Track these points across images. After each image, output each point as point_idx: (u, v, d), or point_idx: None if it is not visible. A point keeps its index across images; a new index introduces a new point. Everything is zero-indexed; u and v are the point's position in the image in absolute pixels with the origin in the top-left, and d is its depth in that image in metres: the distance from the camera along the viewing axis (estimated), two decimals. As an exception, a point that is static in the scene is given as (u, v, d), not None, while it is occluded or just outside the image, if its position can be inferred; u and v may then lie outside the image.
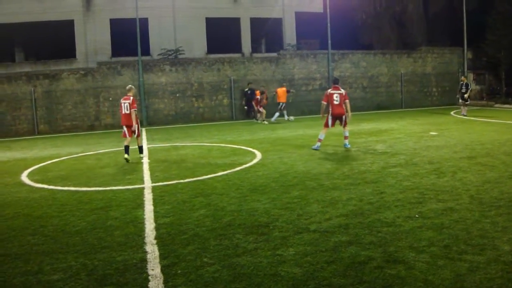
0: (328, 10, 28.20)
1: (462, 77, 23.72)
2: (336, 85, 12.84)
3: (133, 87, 12.99)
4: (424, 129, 16.71)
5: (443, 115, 23.51)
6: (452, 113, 24.47)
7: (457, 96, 23.54)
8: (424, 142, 13.46)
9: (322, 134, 12.91)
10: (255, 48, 31.73)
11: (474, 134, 15.04)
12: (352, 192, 7.82)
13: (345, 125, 12.89)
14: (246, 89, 24.76)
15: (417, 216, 6.37)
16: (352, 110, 13.43)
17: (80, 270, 5.00)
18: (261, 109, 23.44)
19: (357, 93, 29.37)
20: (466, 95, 22.13)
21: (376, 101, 29.40)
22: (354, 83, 29.32)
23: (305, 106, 27.43)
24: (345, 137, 12.99)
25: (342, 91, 12.77)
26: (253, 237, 5.77)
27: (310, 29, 31.52)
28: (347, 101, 12.69)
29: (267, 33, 32.99)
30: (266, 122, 22.76)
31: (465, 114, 22.15)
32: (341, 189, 8.03)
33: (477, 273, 4.53)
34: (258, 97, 23.43)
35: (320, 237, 5.67)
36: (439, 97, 31.60)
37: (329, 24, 28.04)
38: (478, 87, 34.86)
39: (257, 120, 23.73)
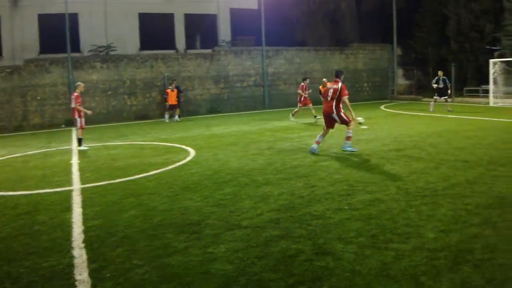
0: (262, 7, 28.38)
1: (440, 72, 22.25)
2: (336, 78, 11.28)
3: (81, 84, 13.89)
4: (355, 123, 17.08)
5: (374, 109, 24.24)
6: (382, 107, 25.29)
7: (435, 91, 22.07)
8: (355, 136, 13.80)
9: (319, 135, 11.52)
10: (189, 45, 31.39)
11: (402, 127, 15.61)
12: (284, 186, 7.91)
13: (344, 124, 11.26)
14: (171, 87, 23.70)
15: (346, 208, 6.53)
16: (287, 106, 13.43)
17: (4, 279, 4.77)
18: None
19: (292, 89, 29.73)
20: (448, 91, 21.74)
21: (310, 97, 29.85)
22: (288, 79, 29.66)
23: (240, 102, 27.48)
24: (346, 138, 11.31)
25: (338, 85, 11.10)
26: (184, 236, 5.70)
27: (245, 25, 31.54)
28: (344, 97, 11.04)
29: (201, 30, 32.73)
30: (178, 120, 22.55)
31: (451, 110, 21.33)
32: (273, 184, 8.10)
33: (403, 260, 4.69)
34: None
35: (252, 232, 5.69)
36: (370, 92, 32.57)
37: (263, 21, 28.21)
38: (407, 82, 36.21)
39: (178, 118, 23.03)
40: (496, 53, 29.03)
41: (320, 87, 18.54)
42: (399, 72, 35.58)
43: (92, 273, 4.75)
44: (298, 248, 5.11)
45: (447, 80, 21.65)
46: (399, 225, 5.74)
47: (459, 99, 27.31)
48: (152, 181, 8.94)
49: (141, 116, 24.99)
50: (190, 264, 4.84)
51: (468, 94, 29.08)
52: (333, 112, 11.13)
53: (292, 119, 19.67)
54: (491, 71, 24.88)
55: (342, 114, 11.13)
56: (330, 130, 11.71)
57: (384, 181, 8.00)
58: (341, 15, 36.88)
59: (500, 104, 23.91)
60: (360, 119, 12.14)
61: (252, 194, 7.49)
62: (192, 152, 12.11)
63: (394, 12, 32.59)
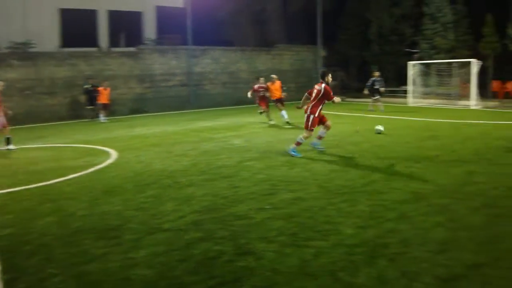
0: (189, 5, 28.11)
1: (376, 72, 22.85)
2: (321, 79, 11.10)
3: (1, 82, 13.53)
4: (281, 122, 17.36)
5: (300, 109, 24.58)
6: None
7: (365, 92, 22.92)
8: (279, 135, 14.00)
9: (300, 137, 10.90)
10: (113, 43, 30.41)
11: (325, 127, 15.97)
12: (208, 188, 7.86)
13: (305, 128, 10.91)
14: (87, 86, 22.74)
15: (268, 207, 6.58)
16: (213, 106, 13.34)
17: None
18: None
19: (218, 88, 29.75)
20: (382, 89, 22.23)
21: (236, 97, 29.97)
22: (215, 79, 29.62)
23: (165, 102, 27.03)
24: (296, 142, 10.81)
25: (321, 86, 10.88)
26: (103, 242, 5.51)
27: (171, 24, 31.04)
28: (334, 99, 10.96)
29: (126, 27, 31.84)
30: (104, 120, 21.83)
31: (372, 109, 22.22)
32: (196, 186, 8.02)
33: (322, 257, 4.79)
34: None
35: (173, 235, 5.61)
36: (296, 92, 33.06)
37: (189, 20, 27.96)
38: (331, 83, 37.18)
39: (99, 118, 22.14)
40: (415, 56, 30.50)
41: (269, 84, 17.75)
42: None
43: (6, 285, 4.49)
44: (220, 249, 5.09)
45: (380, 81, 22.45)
46: (319, 222, 5.87)
47: (381, 99, 28.41)
48: (71, 186, 8.56)
49: (61, 116, 23.93)
50: (109, 271, 4.69)
51: (388, 94, 30.32)
52: (306, 112, 10.95)
53: (271, 122, 17.47)
54: (410, 72, 26.14)
55: (311, 119, 10.75)
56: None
57: (305, 180, 8.16)
58: (267, 16, 37.28)
59: (418, 104, 25.14)
60: (379, 128, 12.09)
61: (174, 196, 7.38)
62: (114, 154, 11.75)
63: (319, 15, 33.40)
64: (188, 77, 28.24)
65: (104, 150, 12.55)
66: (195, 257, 4.94)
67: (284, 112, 17.17)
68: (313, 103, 10.88)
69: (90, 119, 22.24)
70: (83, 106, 23.01)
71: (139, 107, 26.00)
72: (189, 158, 10.83)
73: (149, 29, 31.02)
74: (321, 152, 10.92)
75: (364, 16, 33.26)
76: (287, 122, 16.73)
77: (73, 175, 9.44)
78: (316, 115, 10.78)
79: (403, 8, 31.80)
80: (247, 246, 5.16)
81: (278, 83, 17.92)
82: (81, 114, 23.46)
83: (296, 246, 5.12)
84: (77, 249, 5.33)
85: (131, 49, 27.61)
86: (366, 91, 22.84)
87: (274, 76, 18.22)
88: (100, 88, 21.82)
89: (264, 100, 17.74)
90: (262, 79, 18.11)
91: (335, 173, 8.68)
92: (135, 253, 5.10)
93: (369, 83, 22.43)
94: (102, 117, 21.66)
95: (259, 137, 13.69)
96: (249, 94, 18.44)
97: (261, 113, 18.09)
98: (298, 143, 10.71)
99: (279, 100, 17.78)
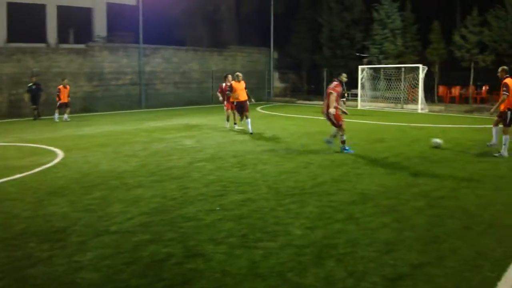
0: (141, 3, 27.66)
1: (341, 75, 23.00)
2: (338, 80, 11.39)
3: None
4: (232, 124, 17.34)
5: (251, 111, 24.64)
6: (258, 108, 25.91)
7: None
8: (231, 136, 14.00)
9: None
10: (62, 39, 29.47)
11: (277, 129, 16.13)
12: (157, 189, 7.74)
13: (334, 125, 11.25)
14: (31, 84, 21.63)
15: (218, 208, 6.55)
16: (164, 106, 13.12)
17: None
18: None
19: (169, 88, 29.45)
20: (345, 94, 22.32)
21: (188, 97, 29.77)
22: (165, 79, 29.30)
23: (115, 101, 26.48)
24: (341, 142, 11.19)
25: (332, 84, 11.26)
26: (48, 244, 5.31)
27: (123, 21, 30.43)
28: (330, 91, 11.03)
29: (75, 23, 30.96)
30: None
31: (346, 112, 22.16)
32: (145, 187, 7.89)
33: (271, 258, 4.81)
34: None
35: (121, 238, 5.48)
36: (248, 93, 33.23)
37: (141, 17, 27.54)
38: (283, 85, 37.56)
39: (39, 117, 21.32)
40: (364, 60, 31.19)
41: (233, 82, 15.40)
42: (275, 75, 36.78)
43: None
44: (168, 252, 5.02)
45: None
46: (269, 223, 5.89)
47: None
48: (15, 186, 8.22)
49: (4, 114, 22.98)
50: (54, 275, 4.53)
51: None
52: (325, 112, 11.27)
53: (236, 127, 16.23)
54: (360, 76, 26.69)
55: (335, 117, 11.04)
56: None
57: (256, 181, 8.19)
58: (220, 17, 37.22)
59: (367, 107, 25.72)
60: (437, 141, 11.94)
61: (122, 198, 7.22)
62: (61, 154, 11.39)
63: (272, 17, 33.66)
64: (138, 76, 27.81)
65: (50, 149, 12.16)
66: (143, 259, 4.85)
67: (249, 122, 14.91)
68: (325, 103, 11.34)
69: (33, 118, 21.36)
70: (28, 105, 22.09)
71: (87, 106, 25.35)
72: (138, 158, 10.64)
73: (100, 26, 30.36)
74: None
75: (316, 20, 33.74)
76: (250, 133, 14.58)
77: (17, 175, 9.08)
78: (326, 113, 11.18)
79: (353, 13, 32.49)
80: (196, 248, 5.12)
81: (243, 83, 15.45)
82: (27, 113, 22.56)
83: (245, 247, 5.11)
84: (21, 252, 5.12)
85: (81, 46, 26.91)
86: None
87: (239, 74, 15.56)
88: (60, 86, 20.97)
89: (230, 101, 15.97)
90: (230, 77, 16.30)
91: (285, 174, 8.75)
92: (81, 256, 4.96)
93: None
94: (57, 117, 20.62)
95: (210, 138, 13.64)
96: (219, 96, 16.83)
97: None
98: (343, 142, 11.08)
99: (243, 106, 15.19)
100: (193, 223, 5.94)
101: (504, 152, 10.49)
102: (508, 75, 10.76)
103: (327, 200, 6.97)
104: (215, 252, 4.99)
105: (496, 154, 10.54)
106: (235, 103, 15.29)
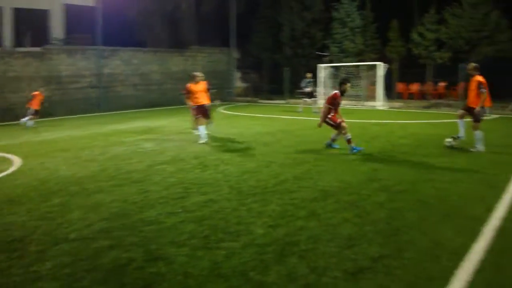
0: (100, 3, 27.18)
1: (309, 74, 23.17)
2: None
3: None
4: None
5: (213, 111, 24.56)
6: (221, 109, 25.83)
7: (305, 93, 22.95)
8: (192, 138, 13.87)
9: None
10: (19, 42, 28.59)
11: (239, 128, 16.12)
12: (117, 193, 7.59)
13: (334, 127, 11.27)
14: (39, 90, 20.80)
15: (179, 211, 6.49)
16: (124, 108, 12.84)
17: None
18: None
19: (129, 91, 29.04)
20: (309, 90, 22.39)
21: (148, 99, 29.42)
22: (125, 81, 28.88)
23: (74, 105, 25.90)
24: (347, 141, 11.06)
25: (332, 92, 11.51)
26: (4, 255, 5.14)
27: (81, 23, 29.77)
28: (326, 105, 11.23)
29: (32, 26, 30.10)
30: None
31: (317, 111, 21.65)
32: (105, 192, 7.72)
33: (233, 258, 4.80)
34: None
35: (80, 245, 5.36)
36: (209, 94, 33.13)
37: (100, 19, 27.06)
38: (244, 85, 37.59)
39: None
40: (325, 59, 31.54)
41: (190, 85, 13.37)
42: (237, 75, 36.79)
43: None
44: (130, 257, 4.94)
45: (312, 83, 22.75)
46: (231, 224, 5.88)
47: (293, 100, 29.04)
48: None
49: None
50: (11, 285, 4.41)
51: (300, 96, 31.03)
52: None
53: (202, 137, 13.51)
54: (321, 75, 26.97)
55: (330, 119, 11.10)
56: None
57: (218, 182, 8.15)
58: (180, 17, 36.93)
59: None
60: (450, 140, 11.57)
61: (82, 204, 7.06)
62: (17, 161, 11.04)
63: (233, 17, 33.63)
64: (97, 78, 27.31)
65: (6, 157, 11.79)
66: (104, 266, 4.76)
67: (203, 129, 12.96)
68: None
69: None
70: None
71: (46, 110, 24.67)
72: (98, 163, 10.42)
73: (57, 28, 29.61)
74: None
75: (276, 19, 33.93)
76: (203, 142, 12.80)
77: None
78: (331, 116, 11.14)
79: (314, 13, 32.85)
80: (158, 251, 5.06)
81: (203, 84, 13.44)
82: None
83: (207, 248, 5.09)
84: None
85: (37, 49, 26.19)
86: (305, 91, 23.01)
87: (198, 73, 13.55)
88: (36, 93, 20.26)
89: None
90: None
91: (247, 174, 8.75)
92: (40, 266, 4.82)
93: (302, 84, 22.69)
94: (29, 121, 19.64)
95: (171, 140, 13.50)
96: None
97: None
98: (349, 141, 10.93)
99: (203, 109, 13.28)
100: (154, 227, 5.86)
101: (481, 146, 10.78)
102: (478, 72, 10.99)
103: (289, 198, 7.01)
104: (177, 254, 4.94)
105: (473, 149, 10.80)
106: (195, 107, 13.17)
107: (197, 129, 13.13)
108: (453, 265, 4.57)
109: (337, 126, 11.04)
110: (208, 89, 13.80)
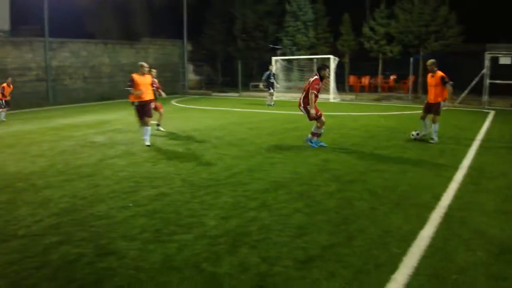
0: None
1: (272, 66, 23.27)
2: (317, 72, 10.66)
3: None
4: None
5: (166, 104, 24.31)
6: (173, 102, 25.61)
7: (262, 86, 23.22)
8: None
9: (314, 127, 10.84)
10: None
11: (191, 122, 16.05)
12: (66, 188, 7.43)
13: (312, 120, 10.61)
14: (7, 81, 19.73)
15: (130, 205, 6.44)
16: (74, 102, 12.47)
17: None
18: None
19: (78, 84, 28.36)
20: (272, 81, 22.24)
21: (99, 92, 28.80)
22: (74, 74, 28.17)
23: (21, 99, 24.94)
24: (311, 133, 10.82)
25: (312, 78, 10.53)
26: None
27: (28, 13, 28.67)
28: (311, 91, 10.33)
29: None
30: None
31: (272, 104, 22.08)
32: (54, 187, 7.54)
33: (185, 250, 4.83)
34: None
35: (29, 242, 5.24)
36: (161, 87, 32.69)
37: (47, 9, 26.17)
38: (197, 77, 37.36)
39: None
40: (278, 52, 31.74)
41: (135, 75, 11.32)
42: (190, 67, 36.51)
43: None
44: (80, 252, 4.88)
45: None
46: (183, 216, 5.89)
47: (246, 93, 29.13)
48: None
49: None
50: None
51: (253, 88, 31.17)
52: (300, 105, 10.68)
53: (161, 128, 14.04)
54: (274, 67, 27.10)
55: (309, 109, 10.41)
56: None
57: (169, 175, 8.12)
58: (132, 8, 36.19)
59: (281, 98, 26.19)
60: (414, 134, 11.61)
61: (30, 200, 6.87)
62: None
63: (185, 9, 33.29)
64: (45, 71, 26.50)
65: None
66: (53, 262, 4.68)
67: (148, 130, 11.42)
68: (302, 95, 10.65)
69: None
70: None
71: None
72: (46, 158, 10.15)
73: (2, 19, 28.39)
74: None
75: (229, 11, 33.84)
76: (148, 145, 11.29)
77: None
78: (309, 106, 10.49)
79: (267, 5, 32.93)
80: (109, 246, 5.01)
81: (149, 77, 11.80)
82: None
83: (159, 241, 5.09)
84: None
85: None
86: (262, 85, 23.11)
87: (145, 64, 11.62)
88: (4, 85, 19.34)
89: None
90: (154, 72, 13.57)
91: (199, 166, 8.75)
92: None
93: (264, 77, 22.63)
94: (3, 116, 18.92)
95: (122, 134, 13.29)
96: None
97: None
98: (315, 134, 10.73)
99: (145, 107, 11.47)
100: (105, 221, 5.79)
101: (436, 138, 11.17)
102: (437, 68, 11.28)
103: (241, 189, 7.07)
104: (128, 249, 4.92)
105: (432, 141, 11.14)
106: (135, 104, 11.56)
107: (145, 129, 11.42)
108: (401, 252, 4.75)
109: (317, 117, 10.52)
110: (153, 84, 12.57)
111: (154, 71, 13.46)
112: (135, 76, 11.37)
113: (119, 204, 6.51)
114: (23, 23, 28.70)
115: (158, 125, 13.95)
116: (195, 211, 6.10)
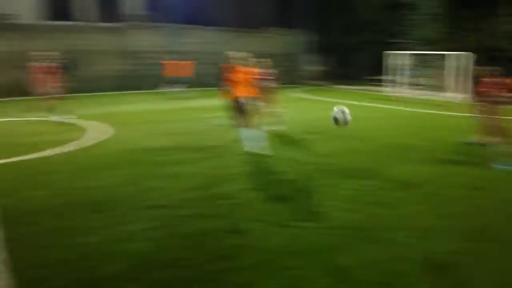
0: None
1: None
2: None
3: None
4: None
5: (288, 94, 23.92)
6: (295, 92, 25.68)
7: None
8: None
9: None
10: (92, 17, 29.22)
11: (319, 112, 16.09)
12: (201, 166, 8.01)
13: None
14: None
15: (261, 188, 6.75)
16: (203, 86, 12.80)
17: None
18: None
19: (206, 69, 29.59)
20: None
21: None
22: (202, 60, 29.38)
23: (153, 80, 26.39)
24: None
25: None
26: (97, 215, 5.65)
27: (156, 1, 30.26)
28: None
29: (107, 2, 30.87)
30: None
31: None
32: (190, 163, 8.17)
33: (308, 237, 5.00)
34: None
35: (167, 212, 5.77)
36: (282, 76, 32.92)
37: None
38: (319, 68, 37.25)
39: None
40: (400, 46, 30.70)
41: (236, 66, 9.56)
42: (310, 58, 36.51)
43: (9, 253, 4.57)
44: (212, 227, 5.26)
45: None
46: (307, 204, 6.11)
47: (367, 87, 28.54)
48: (59, 159, 8.66)
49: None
50: (104, 244, 4.84)
51: (373, 83, 30.37)
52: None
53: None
54: (401, 62, 26.22)
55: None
56: None
57: (303, 160, 8.33)
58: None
59: (406, 94, 24.79)
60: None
61: (166, 173, 7.50)
62: (109, 130, 11.74)
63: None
64: (176, 56, 27.92)
65: (99, 125, 12.51)
66: (189, 233, 5.13)
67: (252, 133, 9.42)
68: None
69: None
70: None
71: (121, 84, 25.42)
72: (183, 136, 10.91)
73: (133, 5, 30.11)
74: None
75: (351, 3, 33.33)
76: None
77: (62, 149, 9.49)
78: None
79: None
80: (237, 225, 5.35)
81: (248, 70, 9.63)
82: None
83: (282, 226, 5.33)
84: (71, 222, 5.45)
85: (114, 24, 27.02)
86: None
87: (242, 54, 9.76)
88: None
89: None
90: (265, 62, 11.92)
91: (331, 157, 8.84)
92: (130, 227, 5.25)
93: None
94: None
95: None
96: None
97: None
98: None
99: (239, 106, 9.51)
100: (235, 201, 6.16)
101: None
102: None
103: (368, 183, 7.05)
104: (253, 229, 5.21)
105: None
106: (233, 100, 9.53)
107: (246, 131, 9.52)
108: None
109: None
110: (264, 76, 11.20)
111: (264, 61, 11.86)
112: (231, 67, 9.47)
113: (246, 186, 6.87)
114: (152, 9, 30.21)
115: (271, 124, 11.76)
116: (320, 200, 6.25)
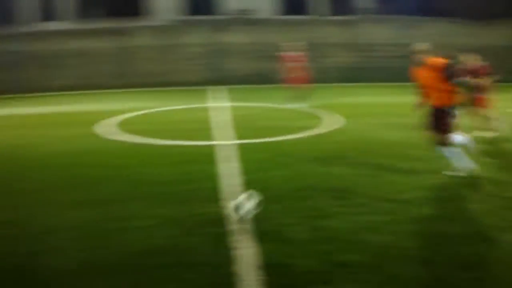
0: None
1: None
2: None
3: None
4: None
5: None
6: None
7: None
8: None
9: None
10: (324, 11, 29.85)
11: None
12: (438, 162, 7.41)
13: None
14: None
15: None
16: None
17: (167, 221, 5.29)
18: None
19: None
20: None
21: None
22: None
23: (383, 74, 25.94)
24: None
25: None
26: (335, 201, 5.77)
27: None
28: None
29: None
30: None
31: None
32: (424, 161, 7.75)
33: None
34: None
35: (400, 207, 5.61)
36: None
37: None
38: None
39: None
40: None
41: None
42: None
43: (255, 227, 4.94)
44: (453, 231, 4.92)
45: None
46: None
47: None
48: (299, 144, 9.24)
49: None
50: (342, 230, 4.91)
51: None
52: None
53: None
54: None
55: None
56: None
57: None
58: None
59: None
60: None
61: (404, 169, 7.28)
62: (340, 120, 11.96)
63: None
64: (400, 49, 27.02)
65: (331, 115, 12.81)
66: (427, 233, 4.98)
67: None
68: None
69: None
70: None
71: (354, 75, 25.56)
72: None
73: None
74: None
75: None
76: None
77: (300, 134, 10.17)
78: None
79: None
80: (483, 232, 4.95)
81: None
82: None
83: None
84: (312, 204, 5.71)
85: (347, 17, 27.30)
86: None
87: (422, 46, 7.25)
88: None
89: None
90: (473, 59, 10.03)
91: None
92: (366, 217, 5.25)
93: None
94: None
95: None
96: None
97: None
98: None
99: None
100: (479, 206, 5.70)
101: None
102: None
103: None
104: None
105: None
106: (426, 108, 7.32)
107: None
108: None
109: None
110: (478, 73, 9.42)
111: (470, 57, 9.96)
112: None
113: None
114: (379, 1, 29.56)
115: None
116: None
